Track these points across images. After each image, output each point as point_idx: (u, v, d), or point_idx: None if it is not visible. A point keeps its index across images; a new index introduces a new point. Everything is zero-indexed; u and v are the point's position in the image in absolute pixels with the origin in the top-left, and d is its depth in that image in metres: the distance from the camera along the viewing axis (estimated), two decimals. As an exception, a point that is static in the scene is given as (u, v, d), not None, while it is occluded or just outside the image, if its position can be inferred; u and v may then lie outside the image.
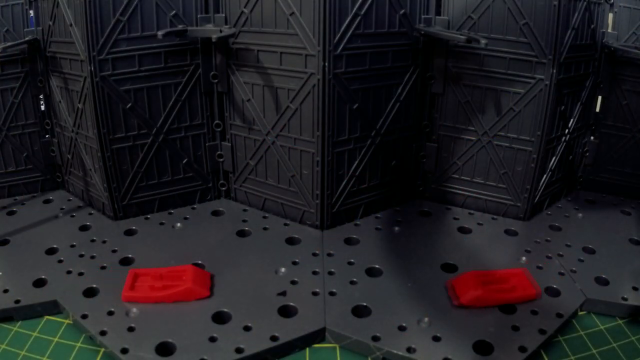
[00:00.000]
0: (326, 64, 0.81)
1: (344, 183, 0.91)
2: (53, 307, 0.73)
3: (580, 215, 0.97)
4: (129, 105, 0.88)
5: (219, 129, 0.97)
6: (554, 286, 0.76)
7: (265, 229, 0.92)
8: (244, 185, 0.99)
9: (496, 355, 0.63)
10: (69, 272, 0.78)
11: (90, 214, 0.96)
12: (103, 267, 0.80)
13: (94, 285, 0.75)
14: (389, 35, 0.86)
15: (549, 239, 0.88)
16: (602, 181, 1.05)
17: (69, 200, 1.02)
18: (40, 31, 0.94)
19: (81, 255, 0.82)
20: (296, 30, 0.82)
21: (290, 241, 0.88)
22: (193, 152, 0.96)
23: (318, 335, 0.69)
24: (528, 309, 0.71)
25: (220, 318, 0.70)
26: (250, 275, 0.78)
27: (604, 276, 0.78)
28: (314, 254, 0.84)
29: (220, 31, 0.85)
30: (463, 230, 0.92)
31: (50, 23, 0.90)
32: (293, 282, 0.76)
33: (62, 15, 0.86)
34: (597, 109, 1.01)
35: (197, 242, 0.87)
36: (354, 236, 0.89)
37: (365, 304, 0.72)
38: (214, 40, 0.84)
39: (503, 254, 0.84)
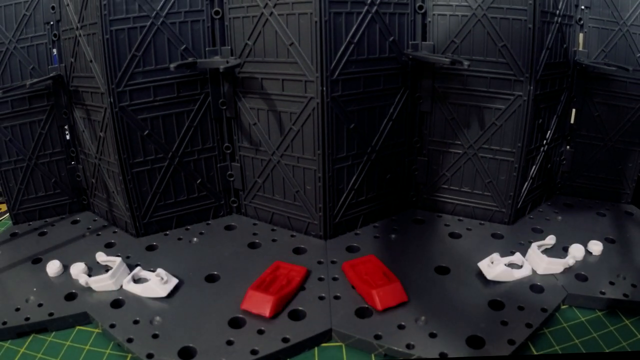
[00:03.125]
0: (324, 88, 0.82)
1: (344, 196, 0.91)
2: (84, 318, 0.74)
3: (559, 218, 0.98)
4: (146, 132, 0.89)
5: (228, 151, 0.97)
6: (538, 283, 0.76)
7: (274, 240, 0.92)
8: (253, 201, 1.00)
9: (487, 348, 0.64)
10: (97, 286, 0.79)
11: (115, 232, 0.97)
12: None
13: (120, 297, 0.76)
14: (380, 61, 0.87)
15: (532, 240, 0.88)
16: (578, 186, 1.06)
17: (95, 220, 1.02)
18: (63, 67, 0.95)
19: (107, 270, 0.82)
20: (296, 59, 0.83)
21: (297, 251, 0.88)
22: (206, 173, 0.97)
23: (325, 336, 0.69)
24: (515, 305, 0.71)
25: (235, 323, 0.70)
26: (262, 283, 0.78)
27: (583, 273, 0.78)
28: (319, 262, 0.84)
29: (227, 62, 0.86)
30: (453, 235, 0.92)
31: (72, 60, 0.91)
32: (301, 289, 0.77)
33: (83, 52, 0.87)
34: (572, 121, 1.02)
35: (213, 254, 0.87)
36: (355, 244, 0.90)
37: (367, 305, 0.72)
38: (221, 70, 0.85)
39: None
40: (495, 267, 0.77)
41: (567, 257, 0.79)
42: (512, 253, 0.84)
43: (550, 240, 0.85)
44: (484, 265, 0.79)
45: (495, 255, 0.79)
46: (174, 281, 0.78)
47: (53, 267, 0.82)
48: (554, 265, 0.78)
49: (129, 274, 0.80)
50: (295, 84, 0.84)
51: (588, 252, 0.84)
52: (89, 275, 0.80)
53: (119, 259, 0.81)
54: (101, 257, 0.84)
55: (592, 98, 0.98)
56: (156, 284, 0.77)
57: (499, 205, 0.95)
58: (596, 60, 0.96)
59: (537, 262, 0.79)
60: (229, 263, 0.84)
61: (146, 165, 0.91)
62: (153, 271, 0.80)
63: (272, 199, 0.97)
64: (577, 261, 0.81)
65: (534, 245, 0.82)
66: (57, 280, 0.81)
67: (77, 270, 0.81)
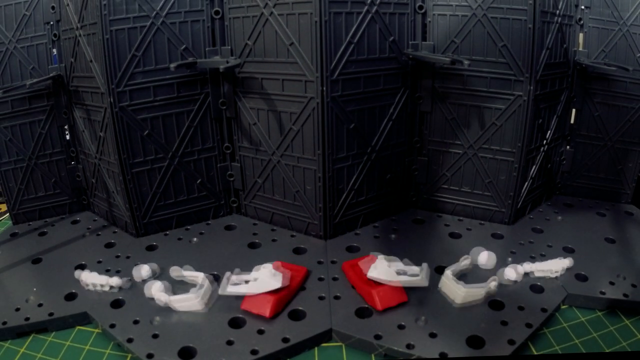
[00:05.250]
0: (324, 88, 0.82)
1: (344, 196, 0.92)
2: (83, 318, 0.74)
3: (559, 218, 0.98)
4: (146, 132, 0.89)
5: (228, 151, 0.97)
6: (538, 283, 0.76)
7: (274, 240, 0.92)
8: (253, 201, 1.00)
9: (487, 348, 0.64)
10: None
11: (115, 232, 0.97)
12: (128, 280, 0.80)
13: (120, 297, 0.76)
14: (380, 60, 0.87)
15: (532, 240, 0.89)
16: (578, 186, 1.06)
17: (95, 220, 1.02)
18: (63, 67, 0.95)
19: (107, 270, 0.83)
20: (296, 59, 0.83)
21: (297, 251, 0.89)
22: (206, 173, 0.97)
23: (325, 336, 0.69)
24: (515, 305, 0.71)
25: (236, 323, 0.70)
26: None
27: (583, 273, 0.78)
28: (319, 262, 0.84)
29: (227, 62, 0.86)
30: (453, 235, 0.92)
31: (72, 60, 0.91)
32: (301, 289, 0.77)
33: (83, 52, 0.87)
34: (572, 121, 1.02)
35: (213, 254, 0.87)
36: (355, 244, 0.90)
37: (367, 306, 0.72)
38: (221, 70, 0.85)
39: (491, 255, 0.84)
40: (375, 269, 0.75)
41: (489, 281, 0.74)
42: (513, 253, 0.84)
43: (465, 260, 0.80)
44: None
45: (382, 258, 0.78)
46: (279, 274, 0.76)
47: (144, 271, 0.80)
48: (473, 297, 0.72)
49: (212, 289, 0.76)
50: (295, 84, 0.84)
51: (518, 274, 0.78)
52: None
53: (201, 274, 0.78)
54: (177, 271, 0.80)
55: (592, 98, 0.98)
56: (270, 277, 0.75)
57: (499, 205, 0.95)
58: (596, 60, 0.96)
59: (454, 291, 0.73)
60: (229, 263, 0.84)
61: (146, 165, 0.91)
62: (248, 273, 0.79)
63: (272, 199, 0.97)
64: (498, 285, 0.75)
65: (447, 272, 0.76)
66: (143, 286, 0.78)
67: (157, 289, 0.76)
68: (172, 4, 0.85)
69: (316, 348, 0.69)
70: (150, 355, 0.64)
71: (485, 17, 0.84)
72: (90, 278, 0.78)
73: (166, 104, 0.89)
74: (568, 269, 0.79)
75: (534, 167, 0.96)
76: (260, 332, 0.68)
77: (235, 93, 0.92)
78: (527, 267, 0.79)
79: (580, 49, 0.97)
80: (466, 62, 0.80)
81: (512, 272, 0.77)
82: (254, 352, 0.64)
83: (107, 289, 0.78)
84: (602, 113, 0.99)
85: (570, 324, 0.71)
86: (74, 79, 0.93)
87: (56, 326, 0.73)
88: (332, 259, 0.85)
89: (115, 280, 0.78)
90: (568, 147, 1.04)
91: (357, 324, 0.69)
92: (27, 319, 0.72)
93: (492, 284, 0.74)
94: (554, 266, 0.78)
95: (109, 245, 0.92)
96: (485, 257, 0.81)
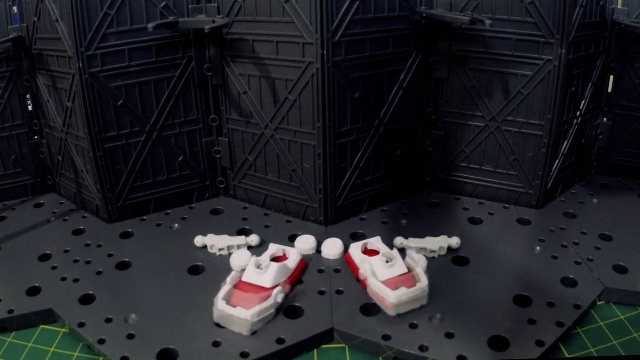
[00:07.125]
0: (325, 52, 0.81)
1: (347, 176, 0.91)
2: (48, 316, 0.73)
3: (595, 201, 0.97)
4: (121, 102, 0.88)
5: (215, 124, 0.97)
6: (571, 276, 0.76)
7: (267, 226, 0.92)
8: (243, 181, 1.00)
9: (513, 350, 0.63)
10: (63, 279, 0.78)
11: (84, 217, 0.97)
12: (99, 273, 0.80)
13: (91, 292, 0.75)
14: (390, 20, 0.86)
15: (563, 227, 0.88)
16: (617, 164, 1.06)
17: (61, 203, 1.02)
18: (25, 28, 0.94)
19: (76, 261, 0.82)
20: (292, 18, 0.82)
21: (294, 239, 0.88)
22: (189, 149, 0.97)
23: (326, 336, 0.69)
24: (544, 301, 0.71)
25: (223, 322, 0.70)
26: (253, 276, 0.78)
27: (622, 264, 0.78)
28: (319, 252, 0.84)
29: (213, 22, 0.85)
30: (473, 221, 0.92)
31: (35, 19, 0.90)
32: (299, 282, 0.77)
33: (48, 10, 0.87)
34: (610, 89, 1.02)
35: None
36: (360, 231, 0.90)
37: (374, 302, 0.72)
38: (207, 31, 0.83)
39: (516, 244, 0.84)
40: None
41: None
42: (542, 241, 0.83)
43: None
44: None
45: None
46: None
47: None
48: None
49: None
50: (292, 46, 0.84)
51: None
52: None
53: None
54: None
55: (633, 63, 0.98)
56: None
57: (525, 187, 0.95)
58: (638, 19, 0.95)
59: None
60: (215, 253, 0.84)
61: (120, 140, 0.90)
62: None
63: (265, 179, 0.96)
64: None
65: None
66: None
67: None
68: (150, -47, 0.84)
69: (316, 350, 0.68)
70: (124, 359, 0.64)
71: (511, -31, 0.84)
72: (222, 241, 0.83)
73: (143, 70, 0.88)
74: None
75: (565, 142, 0.95)
76: (252, 331, 0.67)
77: (223, 57, 0.91)
78: (399, 241, 0.84)
79: (619, 6, 0.96)
80: (488, 21, 0.80)
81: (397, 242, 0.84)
82: (244, 355, 0.64)
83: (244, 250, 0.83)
84: (644, 81, 0.98)
85: (608, 322, 0.71)
86: (37, 41, 0.92)
87: (17, 325, 0.72)
88: (334, 248, 0.85)
89: (254, 238, 0.86)
90: (605, 119, 1.04)
91: (363, 322, 0.69)
92: (-17, 317, 0.72)
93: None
94: (430, 245, 0.81)
95: (77, 232, 0.92)
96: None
